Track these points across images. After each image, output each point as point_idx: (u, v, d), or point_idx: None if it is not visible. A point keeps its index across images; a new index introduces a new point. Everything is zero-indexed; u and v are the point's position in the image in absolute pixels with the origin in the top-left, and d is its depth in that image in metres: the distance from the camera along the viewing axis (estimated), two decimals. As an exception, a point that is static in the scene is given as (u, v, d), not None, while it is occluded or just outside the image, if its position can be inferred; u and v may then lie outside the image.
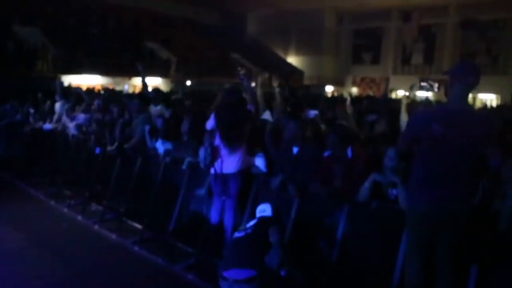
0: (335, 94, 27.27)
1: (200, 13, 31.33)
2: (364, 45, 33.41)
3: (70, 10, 22.04)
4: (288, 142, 3.78)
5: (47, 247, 4.53)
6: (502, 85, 24.93)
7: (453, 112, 2.51)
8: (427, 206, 2.61)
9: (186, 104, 7.64)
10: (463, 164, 2.52)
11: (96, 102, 6.68)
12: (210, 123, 3.97)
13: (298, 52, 34.03)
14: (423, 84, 26.50)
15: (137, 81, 18.20)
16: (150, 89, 7.01)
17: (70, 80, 16.90)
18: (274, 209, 3.14)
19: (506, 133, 4.41)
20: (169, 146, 4.89)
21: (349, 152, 3.47)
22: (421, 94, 24.39)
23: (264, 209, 3.18)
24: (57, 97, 7.09)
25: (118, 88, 17.08)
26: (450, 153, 2.49)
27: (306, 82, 30.63)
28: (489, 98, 25.32)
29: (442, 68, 28.31)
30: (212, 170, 3.92)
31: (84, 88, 13.22)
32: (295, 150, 3.74)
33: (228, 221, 3.93)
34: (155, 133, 5.20)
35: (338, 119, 5.13)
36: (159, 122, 5.17)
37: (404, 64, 31.66)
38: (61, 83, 7.65)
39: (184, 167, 4.57)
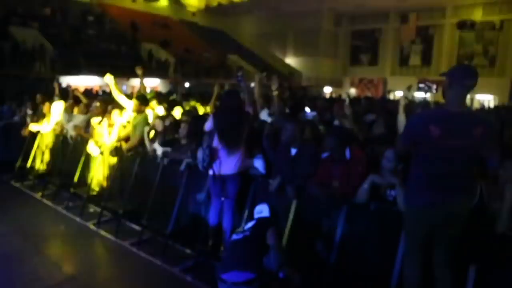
0: (333, 95, 27.32)
1: (198, 15, 31.37)
2: (362, 46, 33.55)
3: (68, 11, 22.02)
4: (286, 143, 3.78)
5: (45, 249, 4.52)
6: (499, 86, 25.09)
7: (451, 114, 2.52)
8: (425, 207, 2.62)
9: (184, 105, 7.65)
10: (461, 166, 2.53)
11: (94, 103, 6.67)
12: (208, 125, 3.98)
13: (296, 53, 34.12)
14: (421, 85, 26.62)
15: (135, 82, 18.19)
16: (148, 90, 7.02)
17: (68, 81, 16.87)
18: (271, 209, 3.15)
19: (504, 135, 4.43)
20: (167, 148, 4.89)
21: (347, 153, 3.47)
22: (419, 95, 24.46)
23: (261, 210, 3.18)
24: (55, 98, 7.08)
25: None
26: (448, 155, 2.50)
27: (304, 83, 30.71)
28: (486, 99, 25.44)
29: (440, 69, 28.44)
30: (210, 172, 3.92)
31: (82, 89, 13.22)
32: (293, 151, 3.74)
33: (226, 222, 3.93)
34: (154, 136, 5.20)
35: (336, 120, 5.14)
36: (158, 126, 5.16)
37: (402, 65, 31.79)
38: (60, 84, 7.62)
39: (182, 168, 4.56)
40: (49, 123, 6.85)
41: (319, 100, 11.14)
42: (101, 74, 18.82)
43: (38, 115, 7.38)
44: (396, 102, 9.27)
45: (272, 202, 3.32)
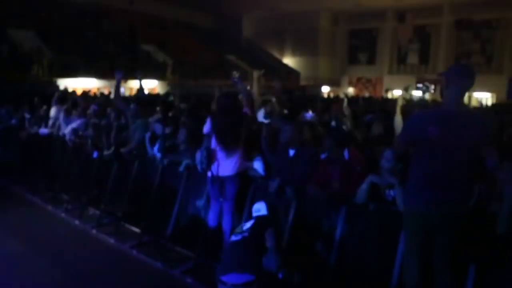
0: (331, 94, 27.36)
1: (195, 16, 31.37)
2: (359, 45, 33.55)
3: (65, 13, 21.98)
4: (285, 145, 3.79)
5: (45, 252, 4.52)
6: (497, 84, 25.15)
7: (449, 114, 2.53)
8: (424, 207, 2.62)
9: (181, 107, 7.66)
10: (460, 166, 2.53)
11: (92, 107, 6.67)
12: (206, 127, 3.97)
13: (294, 53, 34.13)
14: (419, 85, 26.69)
15: (133, 84, 18.17)
16: (146, 91, 7.03)
17: (66, 83, 16.85)
18: (269, 207, 3.15)
19: (503, 134, 4.43)
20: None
21: (346, 154, 3.48)
22: (417, 94, 24.54)
23: (259, 209, 3.19)
24: (53, 102, 7.08)
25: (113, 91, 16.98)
26: (446, 155, 2.51)
27: (302, 82, 30.73)
28: (484, 97, 25.50)
29: (437, 67, 28.51)
30: (209, 173, 3.92)
31: (80, 92, 13.20)
32: (291, 152, 3.74)
33: (226, 224, 3.93)
34: (154, 140, 5.20)
35: (334, 120, 5.15)
36: (157, 129, 5.16)
37: (400, 64, 31.82)
38: (59, 93, 7.66)
39: (181, 169, 4.56)
40: (48, 126, 6.85)
41: (318, 100, 11.15)
42: (99, 76, 18.88)
43: (36, 118, 7.38)
44: (394, 101, 9.28)
45: (272, 203, 3.32)
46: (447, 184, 2.55)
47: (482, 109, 11.64)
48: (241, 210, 4.01)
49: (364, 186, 3.26)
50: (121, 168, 5.34)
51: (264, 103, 5.13)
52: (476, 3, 26.08)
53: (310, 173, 3.59)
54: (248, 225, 3.08)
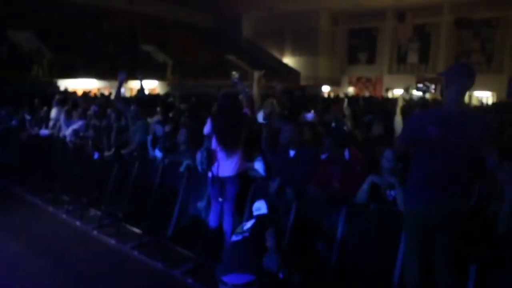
0: (332, 94, 27.35)
1: (195, 16, 31.37)
2: (359, 45, 33.53)
3: (65, 13, 21.98)
4: (285, 145, 3.79)
5: (46, 253, 4.52)
6: (497, 83, 25.15)
7: (449, 114, 2.53)
8: (425, 207, 2.62)
9: (181, 108, 7.67)
10: (460, 166, 2.53)
11: (92, 107, 6.67)
12: (207, 128, 3.98)
13: (294, 53, 34.12)
14: (419, 85, 26.67)
15: (133, 85, 18.18)
16: (146, 92, 7.03)
17: (66, 84, 16.85)
18: (269, 205, 3.16)
19: (504, 134, 4.43)
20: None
21: (346, 154, 3.48)
22: (417, 94, 24.53)
23: (259, 207, 3.20)
24: (54, 104, 7.09)
25: (114, 91, 16.97)
26: (446, 155, 2.51)
27: (303, 82, 30.73)
28: (484, 96, 25.50)
29: (437, 67, 28.49)
30: (209, 174, 3.93)
31: (80, 92, 13.19)
32: (291, 153, 3.74)
33: (227, 225, 3.93)
34: (155, 143, 5.20)
35: (335, 121, 5.15)
36: (158, 130, 5.16)
37: (400, 63, 31.81)
38: (60, 95, 7.66)
39: (182, 169, 4.56)
40: (48, 128, 6.86)
41: (318, 100, 11.16)
42: (99, 76, 18.89)
43: (37, 119, 7.38)
44: (394, 101, 9.28)
45: (272, 203, 3.32)
46: (447, 183, 2.55)
47: (482, 108, 11.62)
48: (241, 211, 4.01)
49: (364, 186, 3.26)
50: (121, 169, 5.35)
51: (264, 104, 5.12)
52: (476, 2, 26.08)
53: (311, 173, 3.59)
54: (248, 225, 3.09)
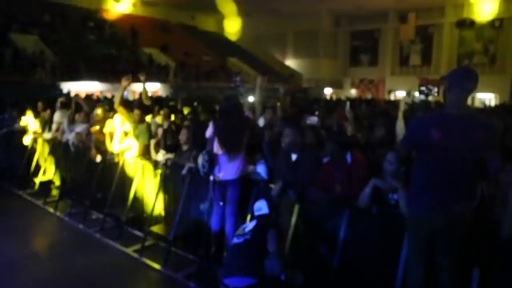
0: (334, 96, 27.33)
1: (197, 18, 31.45)
2: (361, 46, 33.54)
3: (68, 17, 22.10)
4: (287, 149, 3.78)
5: (48, 256, 4.54)
6: (500, 84, 25.08)
7: (451, 118, 2.53)
8: (427, 211, 2.62)
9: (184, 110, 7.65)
10: (462, 169, 2.53)
11: (95, 111, 6.67)
12: (209, 131, 3.98)
13: (296, 55, 34.15)
14: (422, 88, 26.60)
15: (136, 87, 18.23)
16: (149, 94, 7.03)
17: (69, 87, 16.92)
18: (270, 205, 3.15)
19: (507, 136, 4.40)
20: (170, 155, 4.89)
21: (349, 158, 3.47)
22: (420, 97, 24.50)
23: (260, 207, 3.19)
24: (57, 107, 7.10)
25: (117, 94, 17.01)
26: (449, 158, 2.50)
27: (305, 84, 30.74)
28: (487, 98, 25.42)
29: (440, 68, 28.44)
30: (211, 177, 3.93)
31: (83, 95, 13.22)
32: (293, 157, 3.74)
33: (229, 228, 3.92)
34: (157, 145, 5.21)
35: (337, 125, 5.14)
36: (159, 133, 5.17)
37: (402, 64, 31.78)
38: (63, 97, 7.67)
39: (184, 172, 4.57)
40: (51, 131, 6.88)
41: (320, 104, 11.13)
42: (102, 79, 18.96)
43: (40, 122, 7.40)
44: (396, 103, 9.26)
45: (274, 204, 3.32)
46: (450, 187, 2.55)
47: (485, 111, 11.56)
48: (244, 214, 4.00)
49: (367, 190, 3.25)
50: (124, 172, 5.35)
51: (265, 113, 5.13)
52: (478, 3, 26.04)
53: (313, 176, 3.58)
54: (250, 226, 3.08)
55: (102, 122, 5.97)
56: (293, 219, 3.55)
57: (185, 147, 4.71)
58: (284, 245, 3.36)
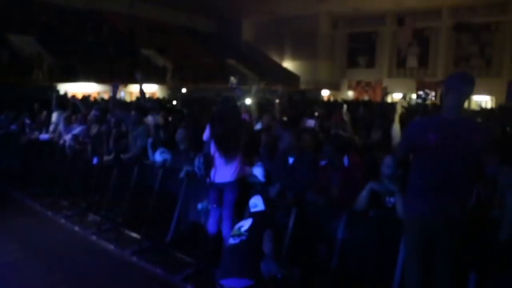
0: (331, 98, 27.39)
1: (195, 20, 31.45)
2: (359, 49, 33.63)
3: (65, 18, 22.05)
4: (284, 152, 3.78)
5: (45, 259, 4.50)
6: (496, 87, 25.21)
7: (448, 121, 2.54)
8: (424, 214, 2.63)
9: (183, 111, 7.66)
10: (459, 172, 2.54)
11: (93, 112, 6.67)
12: (206, 134, 3.98)
13: (294, 57, 34.21)
14: (419, 93, 26.78)
15: (133, 88, 18.21)
16: (147, 95, 7.02)
17: (66, 88, 16.89)
18: (266, 201, 3.14)
19: (505, 138, 4.42)
20: (167, 156, 4.88)
21: (346, 161, 3.48)
22: (417, 101, 24.67)
23: (256, 204, 3.17)
24: (53, 108, 7.08)
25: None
26: (445, 162, 2.52)
27: (302, 86, 30.79)
28: (484, 100, 25.55)
29: (437, 71, 28.60)
30: (208, 180, 3.92)
31: (80, 96, 13.19)
32: (290, 160, 3.74)
33: (226, 230, 3.92)
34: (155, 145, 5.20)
35: (334, 128, 5.15)
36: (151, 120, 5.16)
37: (399, 67, 31.89)
38: (57, 94, 7.64)
39: (181, 175, 4.56)
40: (48, 132, 6.86)
41: (318, 106, 11.15)
42: (99, 80, 18.91)
43: (37, 124, 7.39)
44: (393, 105, 9.28)
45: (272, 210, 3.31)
46: (447, 190, 2.56)
47: (482, 113, 11.61)
48: (240, 216, 3.99)
49: (364, 193, 3.26)
50: (121, 174, 5.34)
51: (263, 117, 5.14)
52: (475, 6, 26.19)
53: (310, 179, 3.58)
54: (246, 226, 3.04)
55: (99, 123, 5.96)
56: (291, 222, 3.55)
57: (181, 146, 4.69)
58: (281, 245, 3.35)
